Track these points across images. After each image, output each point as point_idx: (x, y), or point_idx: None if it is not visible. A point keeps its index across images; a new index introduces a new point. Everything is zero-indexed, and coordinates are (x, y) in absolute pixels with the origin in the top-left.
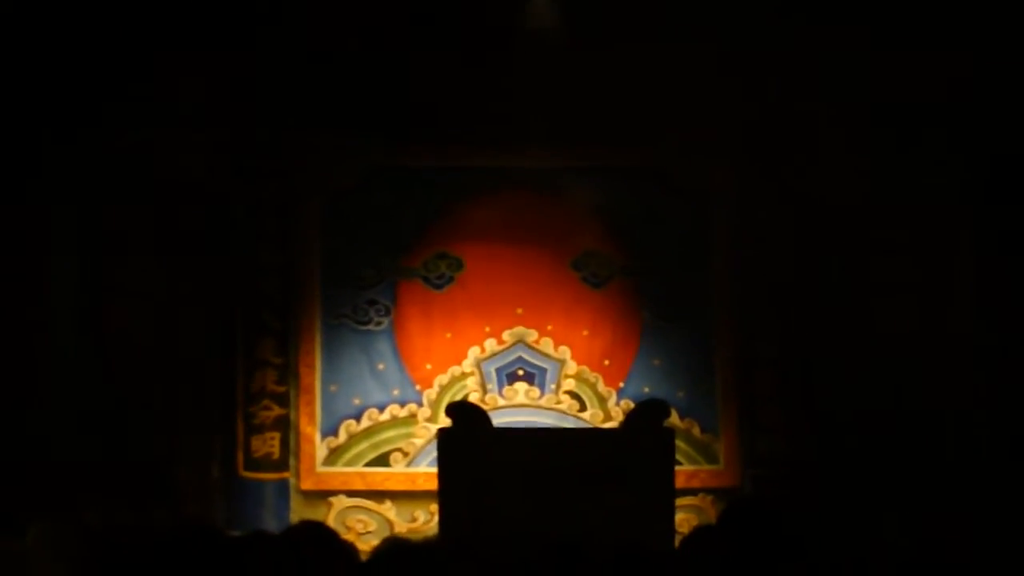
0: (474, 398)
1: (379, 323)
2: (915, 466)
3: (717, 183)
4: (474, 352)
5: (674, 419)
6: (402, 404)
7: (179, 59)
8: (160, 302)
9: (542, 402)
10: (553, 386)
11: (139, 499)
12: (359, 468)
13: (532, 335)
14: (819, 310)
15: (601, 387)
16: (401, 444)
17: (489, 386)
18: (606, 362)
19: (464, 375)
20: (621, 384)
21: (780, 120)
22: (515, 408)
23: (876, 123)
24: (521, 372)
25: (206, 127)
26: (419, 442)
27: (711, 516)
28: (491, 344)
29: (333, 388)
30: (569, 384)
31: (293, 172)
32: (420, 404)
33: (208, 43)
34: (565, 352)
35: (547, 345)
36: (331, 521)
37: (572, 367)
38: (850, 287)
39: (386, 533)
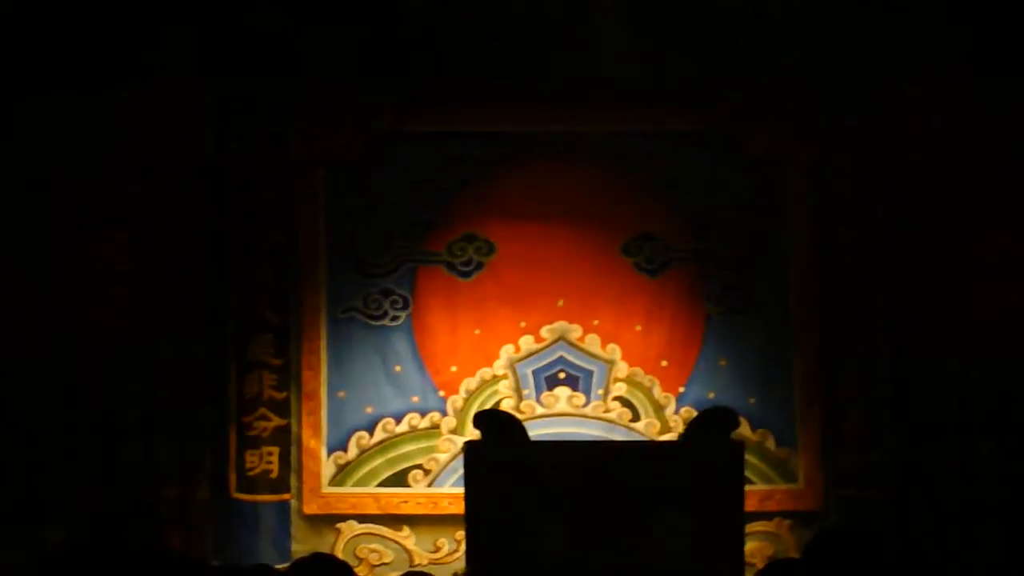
0: (507, 406)
1: (395, 318)
2: None
3: (794, 149)
4: (507, 351)
5: (744, 430)
6: (423, 413)
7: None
8: (136, 293)
9: (587, 410)
10: (600, 391)
11: (112, 522)
12: (372, 488)
13: (576, 331)
14: (915, 297)
15: (657, 392)
16: (422, 460)
17: (525, 391)
18: (663, 363)
19: (495, 379)
20: (681, 389)
21: (865, 68)
22: (556, 417)
23: (982, 68)
24: (563, 375)
25: (187, 84)
26: (443, 458)
27: (788, 545)
28: (527, 342)
29: (341, 394)
30: (619, 389)
31: (290, 138)
32: (444, 413)
33: None
34: (615, 351)
35: (593, 343)
36: (340, 551)
37: (623, 369)
38: (950, 269)
39: (404, 566)
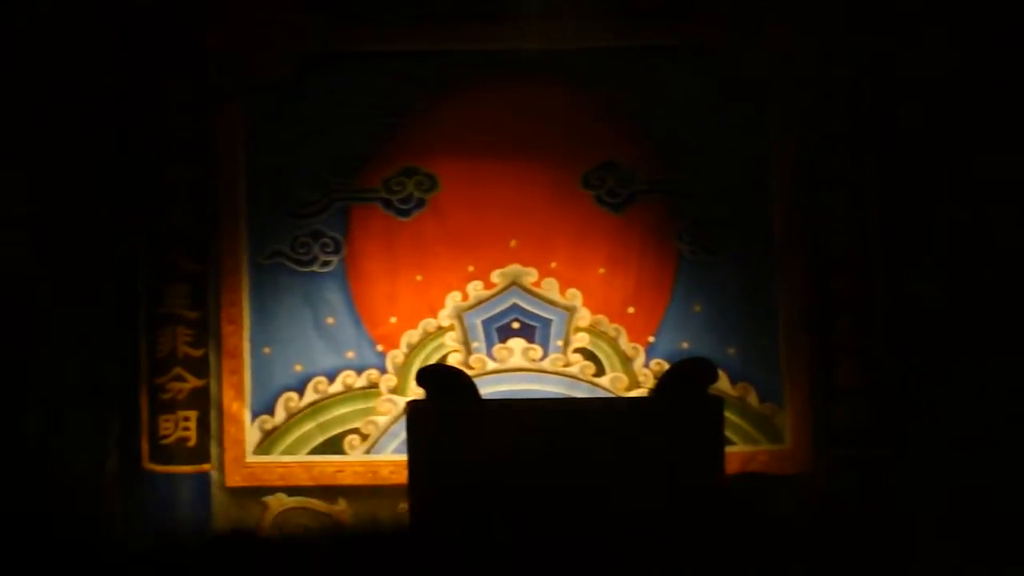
0: (455, 360)
1: (326, 263)
2: None
3: (779, 66)
4: (454, 299)
5: (723, 384)
6: (359, 371)
7: None
8: (33, 239)
9: (545, 364)
10: (560, 343)
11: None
12: (303, 457)
13: (531, 275)
14: (915, 230)
15: (624, 343)
16: (359, 424)
17: (475, 344)
18: (630, 309)
19: (441, 330)
20: (651, 339)
21: None
22: (510, 373)
23: None
24: (517, 325)
25: (92, 5)
26: (382, 421)
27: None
28: (476, 288)
29: (267, 351)
30: (581, 340)
31: (205, 61)
32: (383, 370)
33: None
34: (575, 297)
35: (551, 288)
36: (268, 527)
37: (585, 317)
38: (953, 197)
39: None
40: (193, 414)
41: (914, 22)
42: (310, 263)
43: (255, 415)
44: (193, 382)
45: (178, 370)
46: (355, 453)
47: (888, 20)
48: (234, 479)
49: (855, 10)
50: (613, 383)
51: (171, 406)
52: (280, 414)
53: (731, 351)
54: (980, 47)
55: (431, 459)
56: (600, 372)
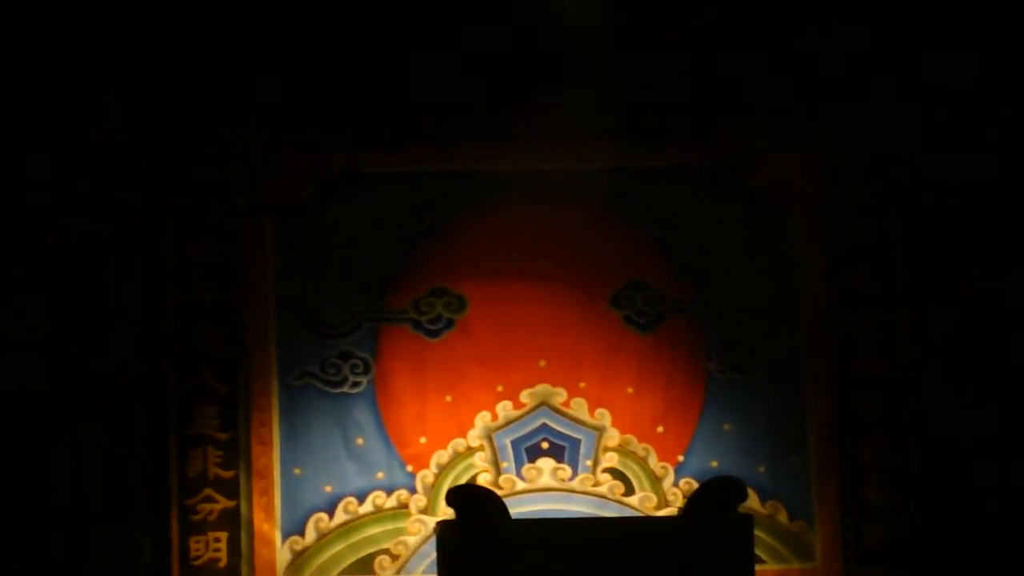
0: (484, 480)
1: (356, 384)
2: None
3: (801, 184)
4: (483, 420)
5: (753, 503)
6: (389, 491)
7: (73, 38)
8: (59, 361)
9: (575, 484)
10: (589, 463)
11: None
12: None
13: (560, 395)
14: (943, 347)
15: (653, 462)
16: (389, 544)
17: (504, 464)
18: (659, 429)
19: (470, 450)
20: (680, 458)
21: (879, 91)
22: (539, 493)
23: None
24: (546, 445)
25: (115, 126)
26: (413, 541)
27: None
28: (505, 408)
29: (297, 472)
30: (610, 459)
31: (233, 183)
32: (413, 490)
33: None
34: (604, 417)
35: (580, 408)
36: None
37: (614, 437)
38: (984, 315)
39: None
40: (224, 535)
41: (939, 136)
42: (340, 384)
43: (285, 536)
44: (224, 503)
45: (208, 491)
46: (386, 574)
47: (910, 132)
48: None
49: (873, 121)
50: (642, 503)
51: (202, 527)
52: (310, 535)
53: (761, 469)
54: (1005, 153)
55: None
56: (629, 492)
